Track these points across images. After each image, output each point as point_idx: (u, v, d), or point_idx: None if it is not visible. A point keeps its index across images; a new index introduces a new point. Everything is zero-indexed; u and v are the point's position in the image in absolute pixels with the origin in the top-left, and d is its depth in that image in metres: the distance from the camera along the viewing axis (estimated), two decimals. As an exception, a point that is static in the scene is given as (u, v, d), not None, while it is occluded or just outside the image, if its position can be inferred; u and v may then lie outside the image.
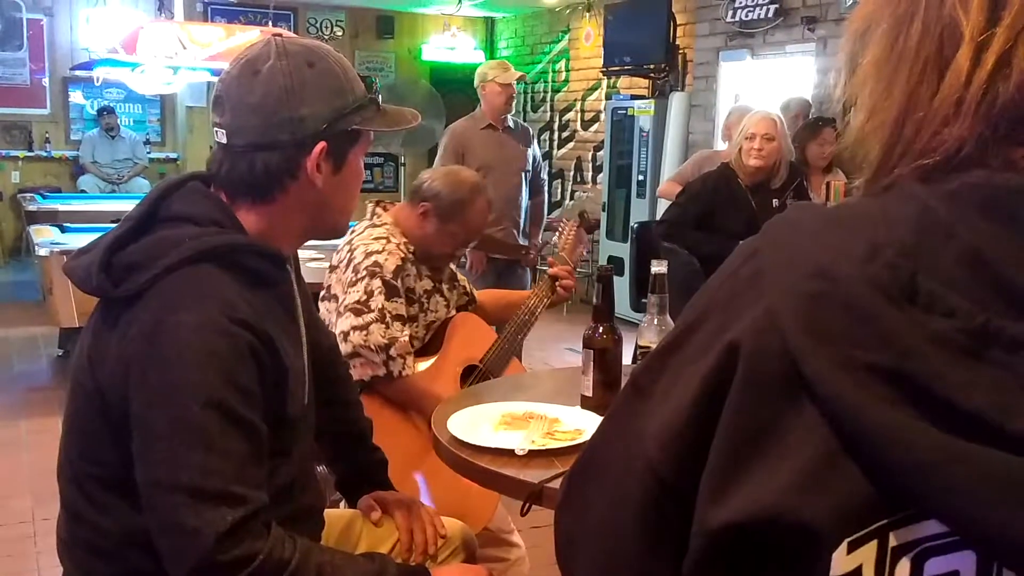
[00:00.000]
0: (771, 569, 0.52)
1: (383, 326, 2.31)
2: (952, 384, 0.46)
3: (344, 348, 2.27)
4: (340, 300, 2.39)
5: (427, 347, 2.53)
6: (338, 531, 1.70)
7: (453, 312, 2.62)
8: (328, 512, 1.65)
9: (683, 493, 0.54)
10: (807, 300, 0.51)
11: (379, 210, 2.58)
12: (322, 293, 2.52)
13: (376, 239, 2.46)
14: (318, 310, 2.31)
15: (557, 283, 2.66)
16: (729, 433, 0.52)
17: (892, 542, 0.49)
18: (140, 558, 1.31)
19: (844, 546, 0.49)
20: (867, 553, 0.49)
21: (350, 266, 2.42)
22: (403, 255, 2.44)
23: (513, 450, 1.67)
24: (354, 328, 2.29)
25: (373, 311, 2.32)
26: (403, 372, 2.33)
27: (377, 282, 2.35)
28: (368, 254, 2.40)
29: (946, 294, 0.48)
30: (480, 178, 2.71)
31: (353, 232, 2.54)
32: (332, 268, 2.52)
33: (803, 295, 0.51)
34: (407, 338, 2.36)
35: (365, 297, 2.33)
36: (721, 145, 5.34)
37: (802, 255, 0.53)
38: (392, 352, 2.30)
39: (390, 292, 2.36)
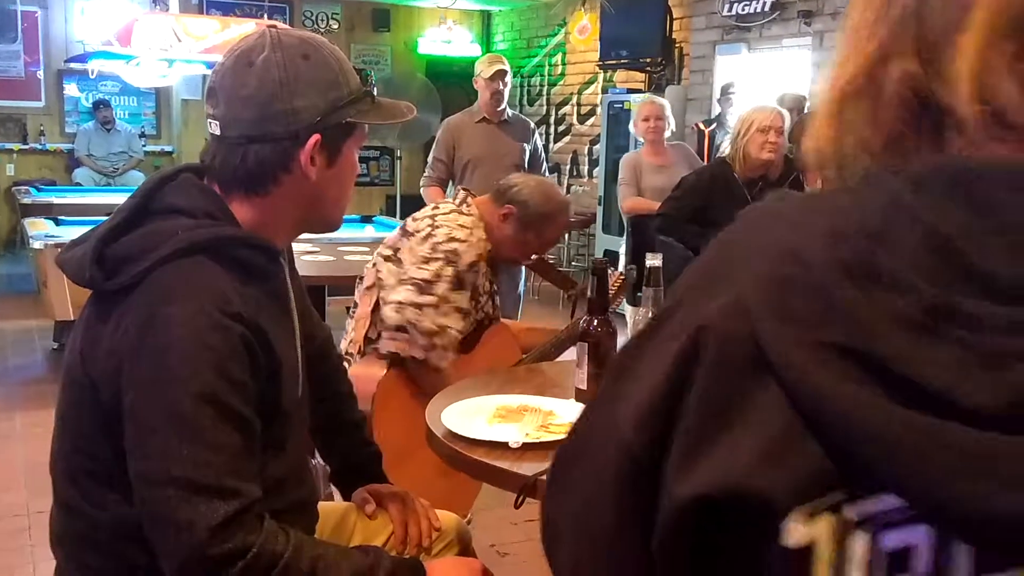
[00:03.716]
0: (730, 540, 0.53)
1: (436, 312, 2.34)
2: (910, 361, 0.47)
3: (394, 318, 2.32)
4: (406, 269, 2.42)
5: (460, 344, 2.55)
6: (332, 524, 1.70)
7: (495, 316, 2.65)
8: (322, 505, 1.65)
9: (655, 472, 0.56)
10: (774, 283, 0.52)
11: (469, 199, 2.61)
12: (385, 252, 2.56)
13: (461, 226, 2.49)
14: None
15: None
16: (697, 411, 0.54)
17: (848, 516, 0.50)
18: (133, 551, 1.30)
19: (799, 518, 0.51)
20: (823, 526, 0.50)
21: (428, 242, 2.45)
22: (480, 252, 2.48)
23: (507, 443, 1.67)
24: (412, 304, 2.33)
25: (434, 296, 2.35)
26: (441, 364, 2.35)
27: (449, 270, 2.38)
28: (450, 239, 2.44)
29: (909, 274, 0.48)
30: (566, 196, 2.76)
31: (436, 209, 2.58)
32: (404, 232, 2.55)
33: (770, 278, 0.52)
34: (458, 331, 2.39)
35: (433, 279, 2.36)
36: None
37: (772, 240, 0.54)
38: (436, 341, 2.33)
39: (457, 283, 2.40)
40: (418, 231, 2.51)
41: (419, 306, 2.32)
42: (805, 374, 0.49)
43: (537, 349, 2.65)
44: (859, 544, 0.50)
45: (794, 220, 0.55)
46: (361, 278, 2.62)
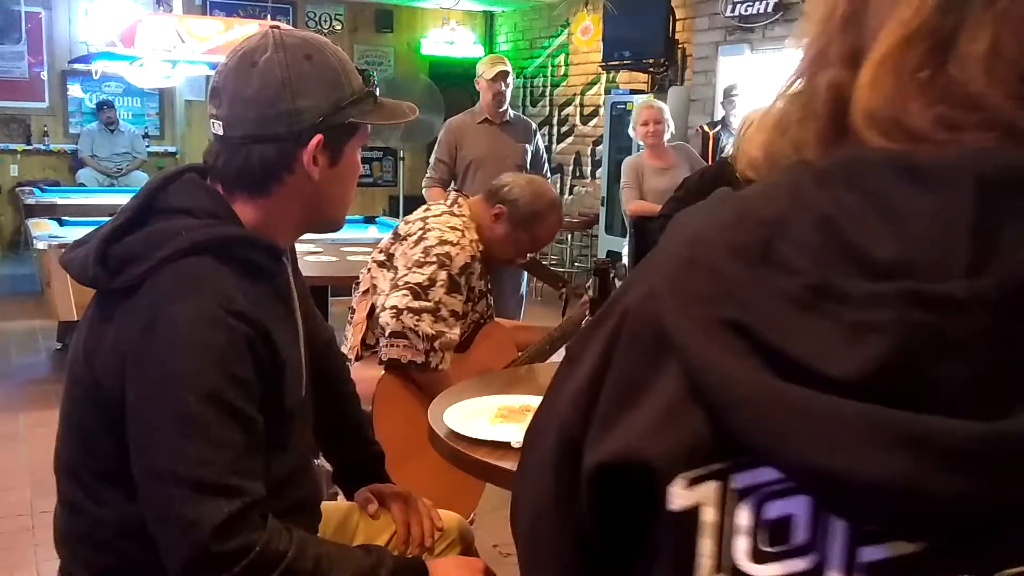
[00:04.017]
0: (626, 505, 0.56)
1: (433, 318, 2.34)
2: (786, 335, 0.50)
3: (392, 324, 2.32)
4: (400, 274, 2.42)
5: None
6: (335, 523, 1.70)
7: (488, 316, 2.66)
8: (325, 505, 1.66)
9: (581, 444, 0.59)
10: (678, 264, 0.56)
11: (460, 199, 2.62)
12: (379, 257, 2.56)
13: (453, 229, 2.49)
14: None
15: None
16: (610, 386, 0.58)
17: (733, 485, 0.53)
18: (137, 549, 1.31)
19: (682, 482, 0.53)
20: (706, 492, 0.53)
21: (420, 245, 2.44)
22: (473, 253, 2.48)
23: (510, 443, 1.67)
24: (409, 309, 2.33)
25: (430, 301, 2.35)
26: (439, 366, 2.35)
27: (443, 274, 2.38)
28: (442, 242, 2.43)
29: (796, 256, 0.52)
30: (557, 194, 2.76)
31: (428, 211, 2.59)
32: (396, 236, 2.56)
33: (676, 260, 0.57)
34: (456, 335, 2.39)
35: (428, 283, 2.36)
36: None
37: (687, 230, 0.59)
38: (436, 344, 2.33)
39: (452, 287, 2.39)
40: (410, 234, 2.51)
41: (416, 311, 2.32)
42: (691, 344, 0.53)
43: (532, 347, 2.65)
44: (744, 513, 0.53)
45: (708, 211, 0.59)
46: (357, 283, 2.63)
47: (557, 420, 0.61)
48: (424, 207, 2.66)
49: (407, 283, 2.36)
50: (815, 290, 0.50)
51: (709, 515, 0.53)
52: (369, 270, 2.59)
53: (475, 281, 2.51)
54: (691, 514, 0.53)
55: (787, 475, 0.51)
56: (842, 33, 0.58)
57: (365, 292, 2.55)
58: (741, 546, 0.53)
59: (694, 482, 0.53)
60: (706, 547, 0.53)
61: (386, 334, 2.34)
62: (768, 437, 0.50)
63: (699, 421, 0.53)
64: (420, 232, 2.48)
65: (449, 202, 2.61)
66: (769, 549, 0.52)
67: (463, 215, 2.55)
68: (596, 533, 0.59)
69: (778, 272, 0.51)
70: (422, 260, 2.40)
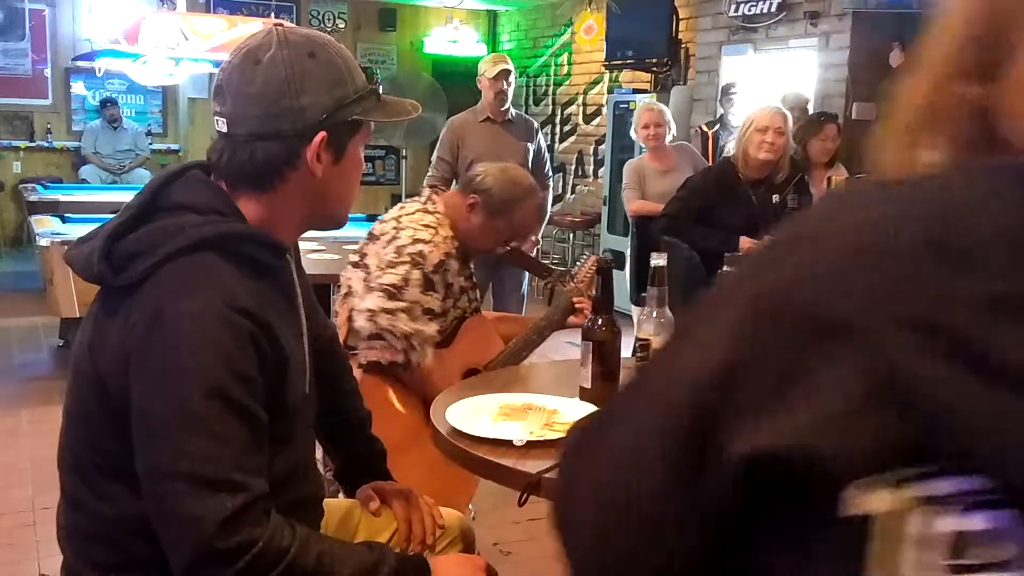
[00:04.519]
0: (789, 502, 0.54)
1: (409, 317, 2.32)
2: (985, 338, 0.48)
3: (368, 327, 2.30)
4: (373, 274, 2.39)
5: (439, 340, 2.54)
6: (337, 520, 1.71)
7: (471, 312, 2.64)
8: (327, 502, 1.66)
9: (714, 433, 0.56)
10: (849, 254, 0.53)
11: (434, 195, 2.59)
12: (353, 258, 2.54)
13: (426, 226, 2.45)
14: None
15: (576, 311, 2.68)
16: (758, 373, 0.55)
17: (926, 492, 0.50)
18: (140, 545, 1.31)
19: (863, 486, 0.50)
20: (893, 499, 0.50)
21: (392, 244, 2.41)
22: (447, 250, 2.45)
23: (511, 441, 1.68)
24: (383, 310, 2.30)
25: (405, 300, 2.32)
26: (421, 361, 2.34)
27: (417, 273, 2.36)
28: (415, 241, 2.41)
29: (987, 256, 0.50)
30: (533, 181, 2.71)
31: (403, 209, 2.56)
32: (371, 236, 2.53)
33: (846, 249, 0.54)
34: (433, 331, 2.37)
35: (402, 284, 2.33)
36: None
37: (854, 216, 0.56)
38: (414, 342, 2.32)
39: (426, 285, 2.37)
40: (383, 234, 2.48)
41: (391, 311, 2.29)
42: (884, 345, 0.50)
43: (520, 338, 2.63)
44: (938, 523, 0.50)
45: (874, 200, 0.56)
46: (339, 286, 2.61)
47: (676, 404, 0.58)
48: (399, 206, 2.63)
49: (381, 284, 2.33)
50: (1016, 296, 0.48)
51: (896, 523, 0.50)
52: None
53: (452, 278, 2.48)
54: (870, 521, 0.51)
55: (1001, 488, 0.48)
56: (977, 47, 0.57)
57: (346, 295, 2.53)
58: (931, 559, 0.50)
59: (878, 486, 0.50)
60: (892, 557, 0.50)
61: (363, 337, 2.32)
62: (986, 447, 0.48)
63: (888, 423, 0.50)
64: (393, 231, 2.45)
65: (423, 199, 2.58)
66: (965, 562, 0.49)
67: (437, 212, 2.52)
68: (732, 524, 0.57)
69: (974, 274, 0.49)
70: (395, 260, 2.37)
